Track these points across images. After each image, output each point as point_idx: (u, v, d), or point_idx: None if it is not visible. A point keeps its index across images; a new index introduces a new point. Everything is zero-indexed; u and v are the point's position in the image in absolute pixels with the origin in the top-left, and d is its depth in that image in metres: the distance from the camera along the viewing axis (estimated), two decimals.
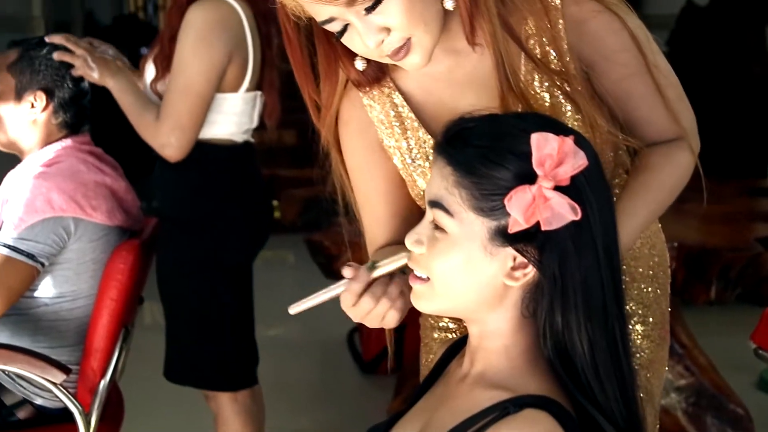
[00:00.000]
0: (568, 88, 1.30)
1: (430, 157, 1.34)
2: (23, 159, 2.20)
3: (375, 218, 1.39)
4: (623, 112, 1.35)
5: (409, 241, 1.15)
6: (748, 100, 4.97)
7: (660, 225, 1.51)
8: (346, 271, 1.21)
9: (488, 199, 1.07)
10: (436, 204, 1.11)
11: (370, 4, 1.16)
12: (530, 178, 1.05)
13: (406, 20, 1.18)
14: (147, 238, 2.25)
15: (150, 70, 2.32)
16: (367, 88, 1.37)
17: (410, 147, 1.36)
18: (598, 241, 1.08)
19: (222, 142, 2.31)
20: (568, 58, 1.30)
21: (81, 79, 2.21)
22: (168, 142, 2.20)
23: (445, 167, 1.10)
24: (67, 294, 2.12)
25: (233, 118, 2.30)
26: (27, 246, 2.01)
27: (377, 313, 1.21)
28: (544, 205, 1.04)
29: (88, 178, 2.12)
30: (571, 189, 1.05)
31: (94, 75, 2.20)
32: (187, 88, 2.18)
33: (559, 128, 1.09)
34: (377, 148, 1.39)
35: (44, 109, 2.16)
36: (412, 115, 1.36)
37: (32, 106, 2.15)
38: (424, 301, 1.16)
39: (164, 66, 2.26)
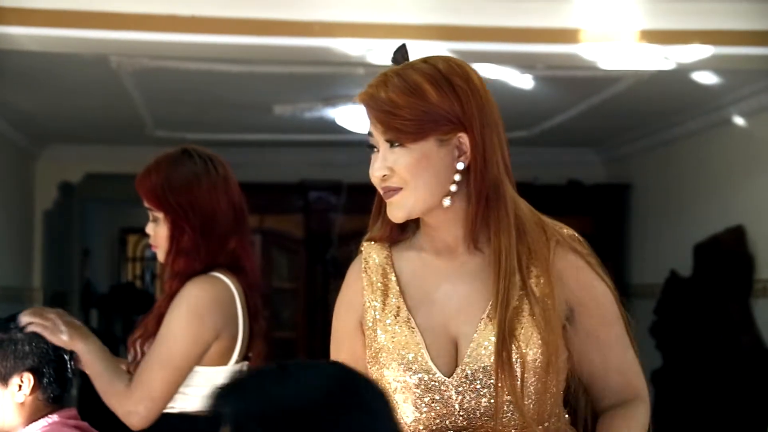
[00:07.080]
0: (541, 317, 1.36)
1: (399, 318, 1.45)
2: None
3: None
4: (591, 362, 1.40)
5: None
6: (739, 371, 4.93)
7: None
8: None
9: None
10: None
11: (393, 139, 1.37)
12: None
13: (405, 171, 1.38)
14: None
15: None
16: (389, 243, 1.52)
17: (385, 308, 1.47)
18: None
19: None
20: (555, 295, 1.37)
21: (62, 350, 2.16)
22: (135, 410, 2.14)
23: None
24: None
25: None
26: None
27: None
28: None
29: None
30: None
31: (63, 337, 2.14)
32: (169, 361, 2.16)
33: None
34: (355, 329, 1.51)
35: (32, 389, 2.11)
36: (398, 289, 1.47)
37: (19, 388, 2.10)
38: None
39: (142, 346, 2.22)
